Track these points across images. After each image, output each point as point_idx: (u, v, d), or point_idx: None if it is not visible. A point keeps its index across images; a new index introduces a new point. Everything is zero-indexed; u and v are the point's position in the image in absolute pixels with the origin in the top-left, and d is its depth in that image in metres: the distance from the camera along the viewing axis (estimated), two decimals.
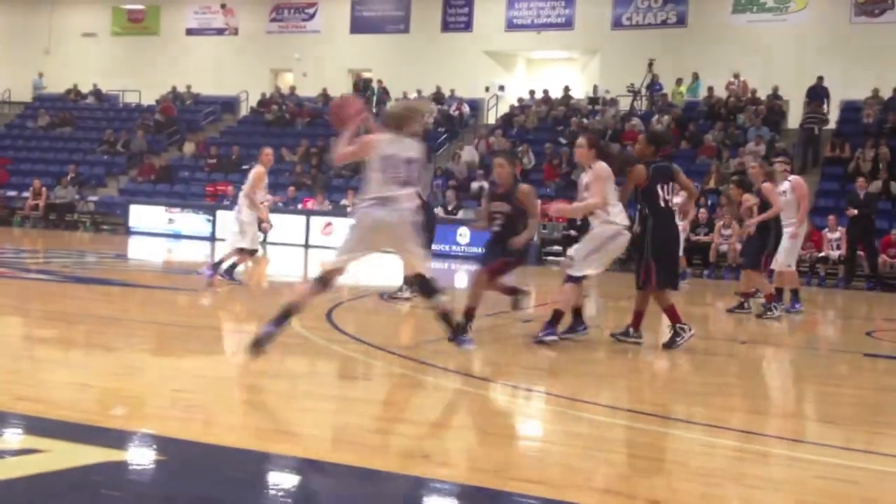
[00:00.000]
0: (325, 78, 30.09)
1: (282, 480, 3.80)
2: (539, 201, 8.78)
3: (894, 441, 5.03)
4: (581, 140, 7.71)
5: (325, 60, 30.85)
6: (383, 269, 17.06)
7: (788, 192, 10.85)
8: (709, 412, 5.54)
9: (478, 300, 7.49)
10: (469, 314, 7.34)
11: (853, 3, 25.63)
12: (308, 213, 22.29)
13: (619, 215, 7.44)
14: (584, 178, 7.57)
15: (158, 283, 12.07)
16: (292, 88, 30.59)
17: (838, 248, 18.01)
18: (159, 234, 23.00)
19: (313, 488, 3.77)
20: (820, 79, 23.44)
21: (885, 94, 23.39)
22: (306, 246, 21.37)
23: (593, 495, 3.67)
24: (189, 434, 4.29)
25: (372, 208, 6.22)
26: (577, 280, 7.43)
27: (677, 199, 8.01)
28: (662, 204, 7.56)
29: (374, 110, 28.54)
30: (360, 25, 31.28)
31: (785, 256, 10.76)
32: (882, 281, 17.32)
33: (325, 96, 29.98)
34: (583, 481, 3.91)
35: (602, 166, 7.39)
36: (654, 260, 7.46)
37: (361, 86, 29.85)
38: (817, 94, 23.44)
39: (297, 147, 26.56)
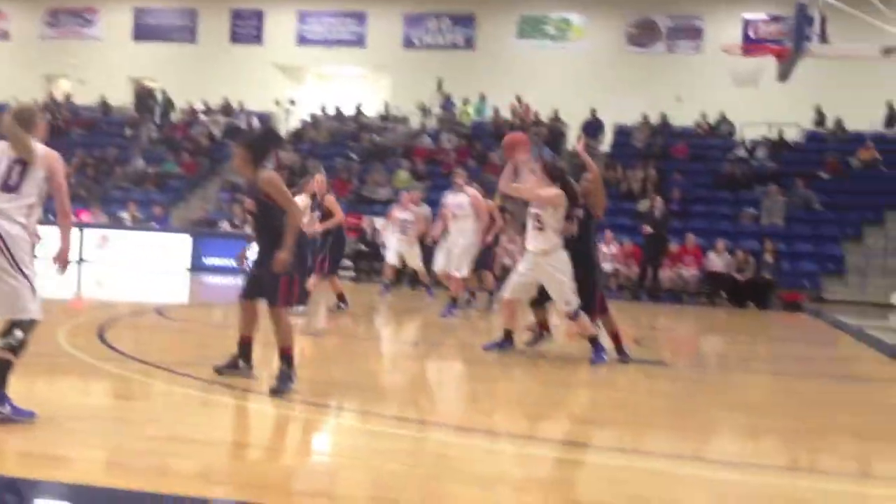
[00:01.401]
0: (104, 86, 28.77)
1: None
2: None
3: (659, 441, 5.34)
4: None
5: (106, 68, 29.47)
6: (162, 286, 16.43)
7: (465, 204, 11.80)
8: (483, 418, 5.68)
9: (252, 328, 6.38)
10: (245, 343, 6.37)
11: (626, 34, 27.36)
12: (82, 226, 21.09)
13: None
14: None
15: None
16: (68, 96, 29.01)
17: (612, 261, 19.08)
18: None
19: None
20: (594, 111, 24.82)
21: (654, 119, 25.10)
22: (80, 261, 20.21)
23: None
24: None
25: None
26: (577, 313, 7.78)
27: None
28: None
29: (157, 121, 27.57)
30: (143, 33, 30.10)
31: (457, 262, 11.71)
32: (656, 294, 18.47)
33: (104, 105, 28.62)
34: (362, 492, 3.91)
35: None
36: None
37: (144, 95, 28.71)
38: (592, 128, 24.85)
39: (72, 157, 25.17)
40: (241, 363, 6.35)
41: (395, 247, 14.30)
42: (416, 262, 14.51)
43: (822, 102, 23.98)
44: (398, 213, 14.35)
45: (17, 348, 4.69)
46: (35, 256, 4.82)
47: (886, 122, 24.23)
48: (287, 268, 5.93)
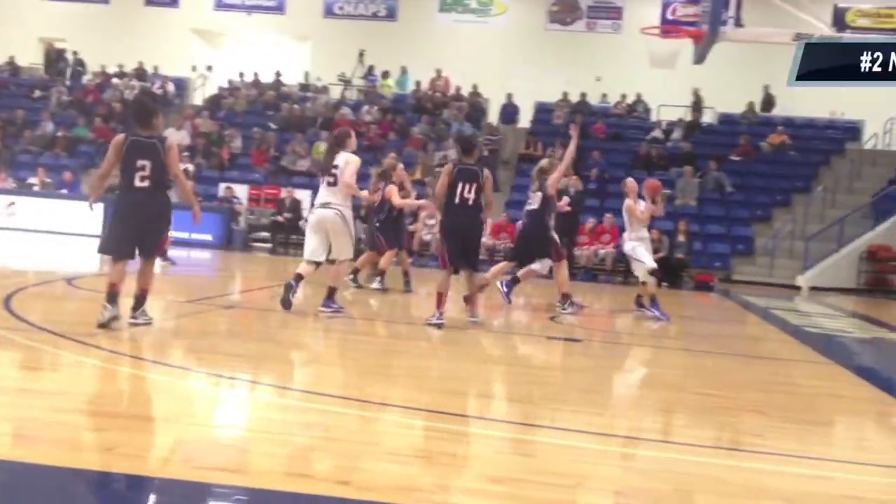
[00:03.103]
0: (11, 46, 27.70)
1: None
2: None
3: (570, 416, 5.43)
4: None
5: (12, 26, 28.38)
6: (71, 254, 16.01)
7: None
8: (404, 394, 5.70)
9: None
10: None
11: (547, 11, 27.50)
12: None
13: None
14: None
15: None
16: None
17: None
18: None
19: None
20: (509, 95, 24.89)
21: (574, 97, 25.32)
22: None
23: (282, 480, 3.66)
24: None
25: None
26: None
27: None
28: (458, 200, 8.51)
29: (68, 83, 26.70)
30: None
31: None
32: (571, 271, 18.67)
33: (12, 65, 27.59)
34: (275, 466, 3.88)
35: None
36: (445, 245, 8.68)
37: (54, 56, 27.75)
38: (507, 112, 24.93)
39: None
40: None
41: None
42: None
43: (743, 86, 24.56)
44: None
45: None
46: None
47: (763, 105, 25.09)
48: None
